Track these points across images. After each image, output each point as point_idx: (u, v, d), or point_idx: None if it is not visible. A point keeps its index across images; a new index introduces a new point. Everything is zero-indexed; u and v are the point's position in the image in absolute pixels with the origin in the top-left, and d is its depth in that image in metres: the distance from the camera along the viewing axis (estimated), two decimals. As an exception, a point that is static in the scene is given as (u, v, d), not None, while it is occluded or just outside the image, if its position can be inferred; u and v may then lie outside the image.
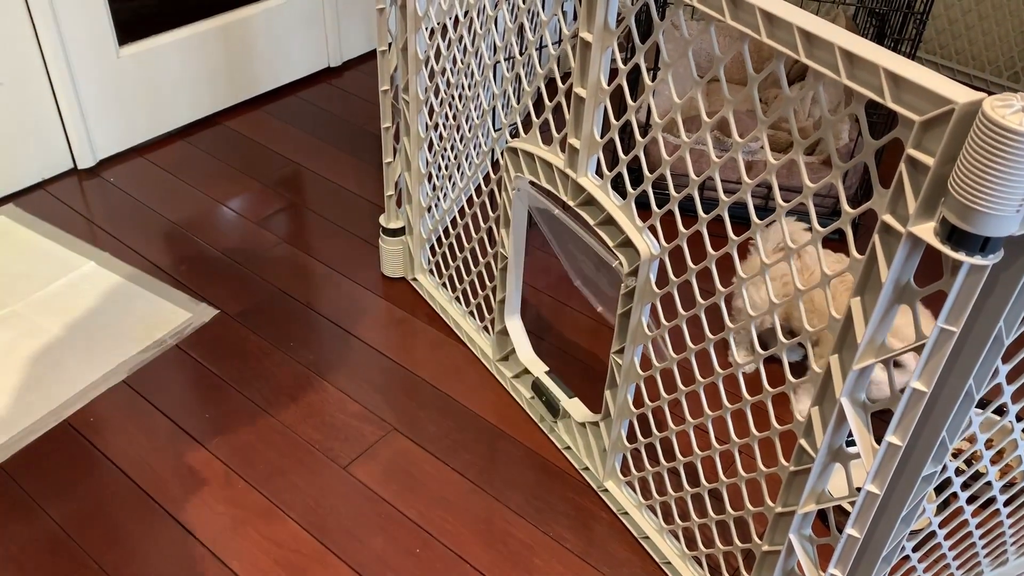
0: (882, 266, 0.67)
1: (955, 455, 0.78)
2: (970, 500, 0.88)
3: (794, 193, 0.76)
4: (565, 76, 0.98)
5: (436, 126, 1.32)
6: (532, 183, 1.10)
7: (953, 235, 0.60)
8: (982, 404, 0.75)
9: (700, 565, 1.07)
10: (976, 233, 0.59)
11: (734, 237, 0.84)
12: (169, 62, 1.81)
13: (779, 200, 0.77)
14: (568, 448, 1.23)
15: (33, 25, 1.57)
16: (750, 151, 1.64)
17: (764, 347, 1.06)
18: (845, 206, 0.71)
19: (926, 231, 0.63)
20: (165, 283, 1.49)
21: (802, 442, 0.81)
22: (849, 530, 0.79)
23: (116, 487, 1.16)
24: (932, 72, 0.60)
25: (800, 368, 1.33)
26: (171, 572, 1.07)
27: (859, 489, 0.77)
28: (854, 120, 1.75)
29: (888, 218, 0.65)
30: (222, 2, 1.88)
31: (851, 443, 0.77)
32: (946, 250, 0.61)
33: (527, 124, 1.08)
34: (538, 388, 1.26)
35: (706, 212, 0.86)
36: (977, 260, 0.60)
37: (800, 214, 0.88)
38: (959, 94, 0.57)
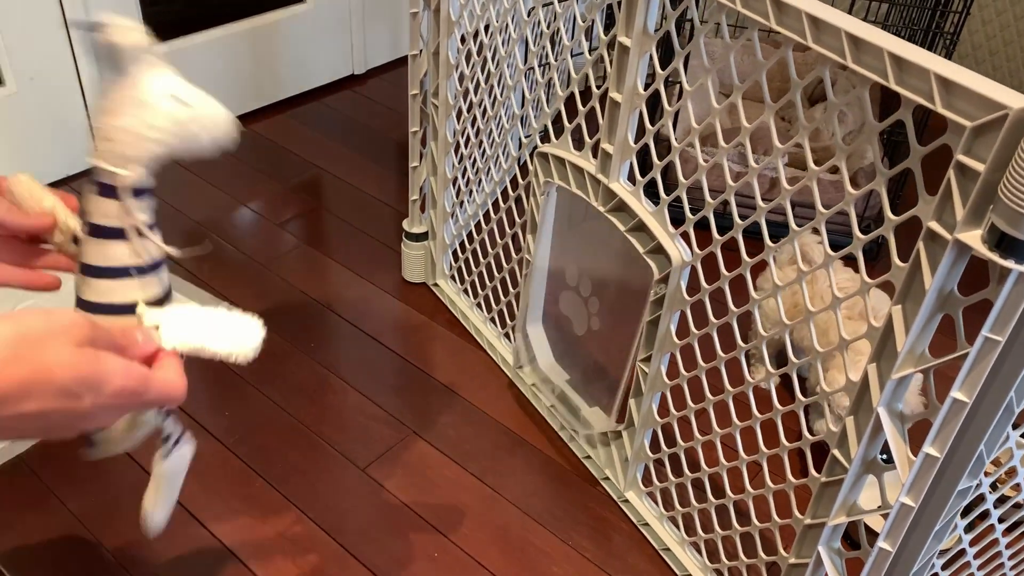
0: (926, 274, 0.66)
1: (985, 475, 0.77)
2: (999, 521, 0.86)
3: (825, 208, 0.76)
4: (597, 84, 0.98)
5: (464, 131, 1.32)
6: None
7: (1002, 242, 0.59)
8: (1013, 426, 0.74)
9: (721, 579, 1.06)
10: (1027, 240, 0.58)
11: (771, 244, 0.83)
12: (195, 64, 1.82)
13: (819, 207, 0.76)
14: (588, 457, 1.22)
15: (65, 21, 1.58)
16: (775, 168, 1.63)
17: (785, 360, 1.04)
18: (888, 213, 0.70)
19: (973, 238, 0.62)
20: (187, 281, 1.49)
21: (835, 452, 0.80)
22: (881, 543, 0.78)
23: (134, 481, 1.16)
24: (984, 78, 0.60)
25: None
26: (186, 568, 1.06)
27: (883, 502, 0.76)
28: (880, 140, 1.75)
29: (934, 225, 0.65)
30: (249, 6, 1.89)
31: (886, 459, 0.76)
32: (994, 257, 0.60)
33: (558, 129, 1.08)
34: (559, 396, 1.25)
35: (735, 223, 0.86)
36: (1026, 268, 0.59)
37: (833, 233, 0.87)
38: (1013, 99, 0.57)
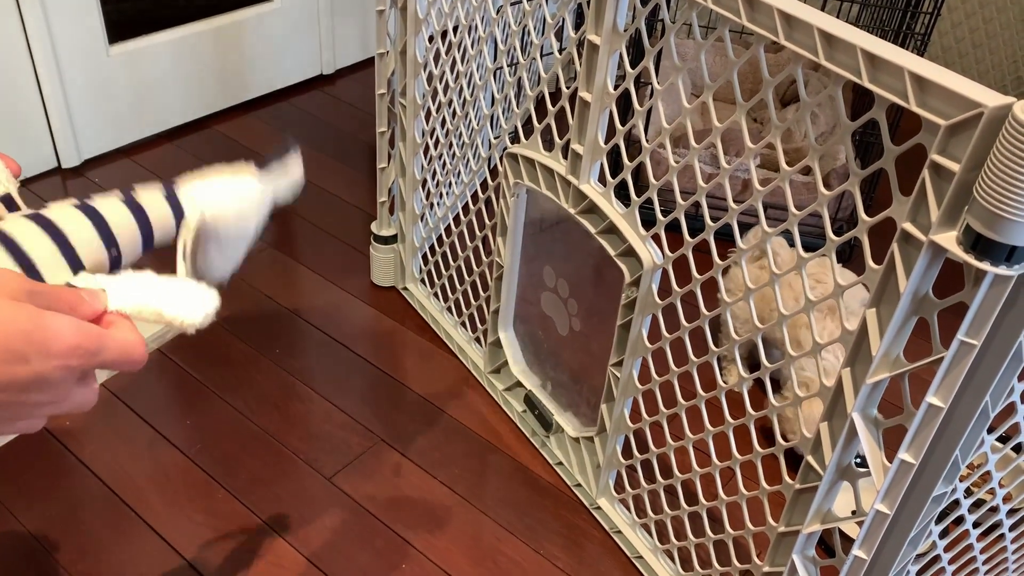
0: (900, 276, 0.65)
1: (959, 481, 0.75)
2: (974, 526, 0.85)
3: (798, 209, 0.74)
4: (564, 85, 0.96)
5: (432, 131, 1.30)
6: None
7: (978, 244, 0.58)
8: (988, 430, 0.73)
9: (695, 587, 1.04)
10: (1003, 242, 0.57)
11: (743, 247, 0.82)
12: (160, 63, 1.78)
13: (792, 209, 0.75)
14: (560, 464, 1.20)
15: (21, 18, 1.53)
16: (746, 169, 1.63)
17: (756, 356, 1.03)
18: (862, 215, 0.69)
19: (948, 240, 0.61)
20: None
21: (809, 459, 0.78)
22: (856, 551, 0.77)
23: (92, 494, 1.12)
24: (958, 76, 0.58)
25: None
26: (146, 583, 1.03)
27: (858, 510, 0.75)
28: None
29: (908, 226, 0.63)
30: (216, 5, 1.85)
31: (860, 462, 0.74)
32: (970, 259, 0.59)
33: (528, 130, 1.06)
34: (530, 401, 1.23)
35: (706, 225, 0.84)
36: (1002, 270, 0.58)
37: (804, 233, 0.86)
38: (988, 98, 0.56)
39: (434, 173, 1.35)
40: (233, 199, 0.71)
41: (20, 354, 0.42)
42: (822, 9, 0.68)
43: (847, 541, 0.79)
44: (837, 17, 0.66)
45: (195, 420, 1.23)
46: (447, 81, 1.23)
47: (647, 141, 0.89)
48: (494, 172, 1.17)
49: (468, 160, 1.31)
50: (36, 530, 1.07)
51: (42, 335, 0.43)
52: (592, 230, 0.97)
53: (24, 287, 0.44)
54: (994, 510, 0.85)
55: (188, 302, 0.54)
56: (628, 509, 1.12)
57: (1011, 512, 0.86)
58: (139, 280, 0.53)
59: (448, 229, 1.42)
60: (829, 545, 1.06)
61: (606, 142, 0.95)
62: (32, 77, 1.60)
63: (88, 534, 1.07)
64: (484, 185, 1.22)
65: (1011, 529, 0.90)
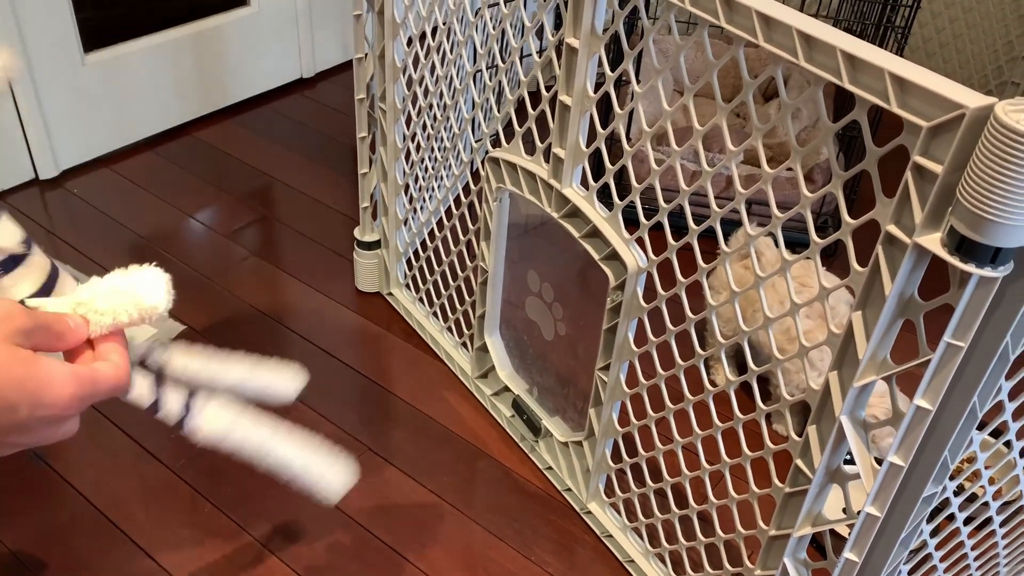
0: (885, 279, 0.64)
1: (951, 477, 0.75)
2: (965, 522, 0.85)
3: (781, 207, 0.74)
4: (548, 87, 0.95)
5: (414, 136, 1.29)
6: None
7: (962, 246, 0.57)
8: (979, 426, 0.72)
9: (687, 589, 1.03)
10: (987, 243, 0.56)
11: (726, 249, 0.81)
12: (137, 70, 1.76)
13: (775, 211, 0.74)
14: (549, 468, 1.19)
15: (-6, 29, 1.51)
16: (729, 168, 1.62)
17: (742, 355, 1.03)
18: (846, 217, 0.68)
19: (933, 242, 0.60)
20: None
21: (798, 462, 0.78)
22: (847, 554, 0.76)
23: (75, 511, 1.10)
24: (940, 76, 0.58)
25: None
26: (132, 602, 1.01)
27: (848, 511, 0.74)
28: (834, 136, 1.75)
29: (893, 228, 0.63)
30: (193, 10, 1.83)
31: (849, 459, 0.74)
32: (954, 261, 0.58)
33: (509, 134, 1.05)
34: (518, 406, 1.22)
35: (690, 228, 0.83)
36: (987, 272, 0.57)
37: (788, 229, 0.85)
38: (969, 98, 0.55)
39: (416, 178, 1.34)
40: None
41: (11, 403, 0.41)
42: (801, 4, 0.67)
43: (839, 540, 0.78)
44: (817, 11, 0.66)
45: (179, 434, 1.21)
46: (427, 85, 1.22)
47: (628, 144, 0.88)
48: (476, 176, 1.16)
49: (450, 164, 1.30)
50: (19, 549, 1.05)
51: (35, 385, 0.42)
52: (576, 234, 0.96)
53: (20, 326, 0.43)
54: (985, 505, 0.84)
55: (148, 292, 0.53)
56: (619, 513, 1.11)
57: (1002, 507, 0.86)
58: (97, 288, 0.51)
59: (432, 234, 1.41)
60: (820, 543, 1.06)
61: (587, 145, 0.94)
62: (6, 87, 1.57)
63: (73, 552, 1.06)
64: (467, 189, 1.21)
65: (1002, 525, 0.90)
